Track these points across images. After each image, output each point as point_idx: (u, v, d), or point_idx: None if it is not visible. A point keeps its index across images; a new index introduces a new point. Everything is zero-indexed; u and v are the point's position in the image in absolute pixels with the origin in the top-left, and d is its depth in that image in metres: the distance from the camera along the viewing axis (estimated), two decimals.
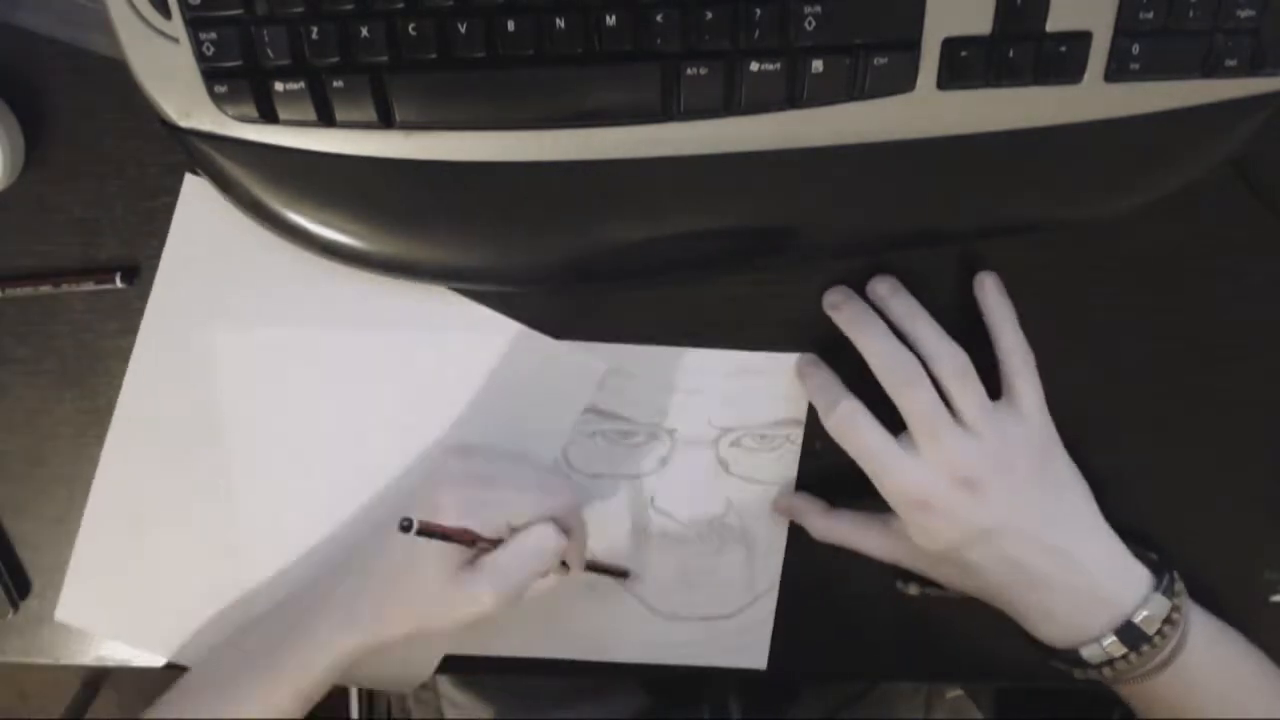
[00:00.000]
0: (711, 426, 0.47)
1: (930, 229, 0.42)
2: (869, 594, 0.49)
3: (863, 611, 0.50)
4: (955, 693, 0.88)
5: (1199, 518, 0.48)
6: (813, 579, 0.49)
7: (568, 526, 0.41)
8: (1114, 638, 0.41)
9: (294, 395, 0.46)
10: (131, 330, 0.45)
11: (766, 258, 0.42)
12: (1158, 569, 0.43)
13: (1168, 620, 0.41)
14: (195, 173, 0.43)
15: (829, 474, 0.47)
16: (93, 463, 0.47)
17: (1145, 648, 0.41)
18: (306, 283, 0.44)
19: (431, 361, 0.46)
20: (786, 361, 0.46)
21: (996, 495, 0.41)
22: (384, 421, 0.46)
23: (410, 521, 0.34)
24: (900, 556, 0.44)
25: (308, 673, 0.40)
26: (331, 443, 0.46)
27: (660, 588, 0.49)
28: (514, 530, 0.40)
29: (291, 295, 0.45)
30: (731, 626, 0.49)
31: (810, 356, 0.46)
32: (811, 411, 0.46)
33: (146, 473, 0.46)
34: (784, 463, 0.47)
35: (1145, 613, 0.41)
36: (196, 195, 0.43)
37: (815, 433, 0.47)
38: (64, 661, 0.50)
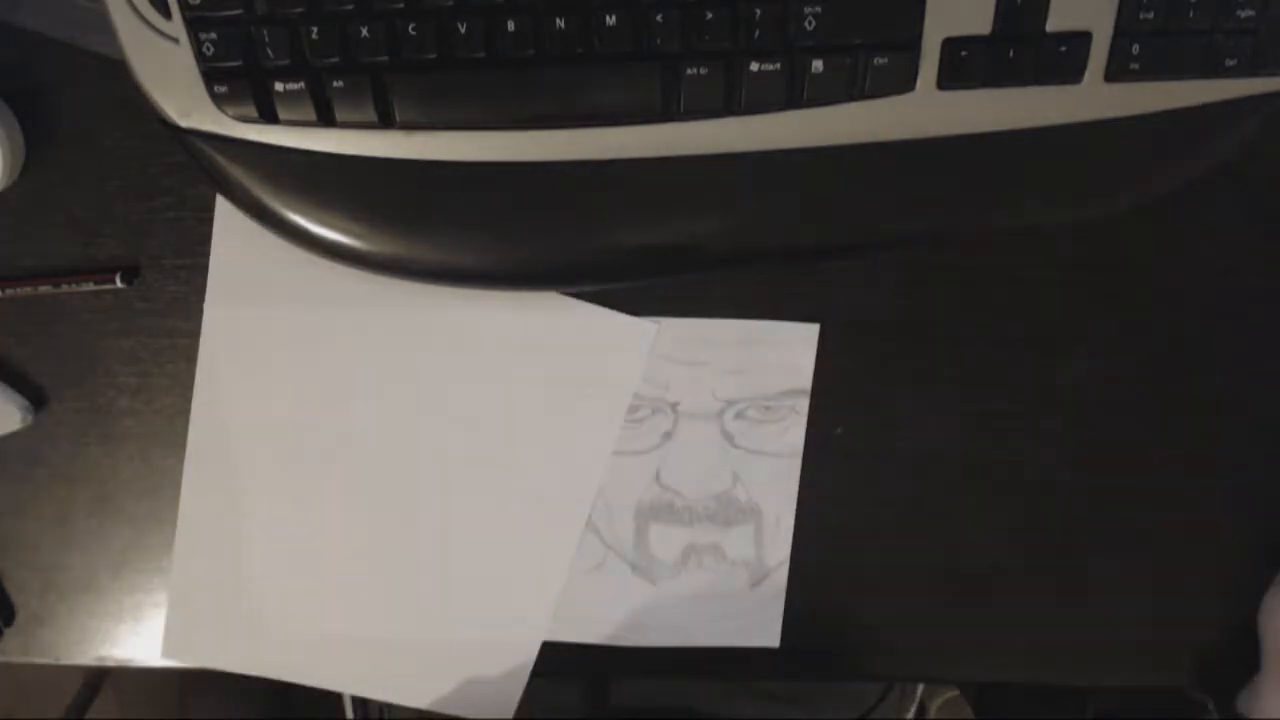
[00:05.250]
0: (715, 399, 0.47)
1: (930, 229, 0.41)
2: (869, 591, 0.49)
3: (865, 608, 0.50)
4: (953, 693, 0.89)
5: (1199, 518, 0.48)
6: (823, 566, 0.49)
7: None
8: None
9: (357, 399, 0.46)
10: (131, 330, 0.45)
11: (767, 258, 0.42)
12: None
13: None
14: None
15: (844, 457, 0.47)
16: (92, 462, 0.47)
17: None
18: (351, 284, 0.44)
19: (488, 346, 0.46)
20: (789, 330, 0.45)
21: None
22: (453, 416, 0.46)
23: None
24: None
25: None
26: (396, 436, 0.47)
27: (668, 567, 0.49)
28: None
29: (340, 299, 0.45)
30: (743, 605, 0.49)
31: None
32: (817, 381, 0.46)
33: (229, 501, 0.47)
34: (790, 434, 0.47)
35: None
36: (230, 218, 0.43)
37: (837, 418, 0.46)
38: (64, 661, 0.50)
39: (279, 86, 0.37)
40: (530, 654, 0.49)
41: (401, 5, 0.36)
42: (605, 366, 0.46)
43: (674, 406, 0.47)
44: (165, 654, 0.49)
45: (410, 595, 0.49)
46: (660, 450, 0.47)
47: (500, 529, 0.48)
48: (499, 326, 0.45)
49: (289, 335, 0.45)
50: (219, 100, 0.37)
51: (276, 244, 0.41)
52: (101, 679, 1.02)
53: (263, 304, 0.45)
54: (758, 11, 0.36)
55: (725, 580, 0.49)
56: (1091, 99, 0.38)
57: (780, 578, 0.49)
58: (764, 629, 0.49)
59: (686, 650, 0.49)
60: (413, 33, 0.36)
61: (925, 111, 0.38)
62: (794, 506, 0.48)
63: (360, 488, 0.47)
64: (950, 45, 0.37)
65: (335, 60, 0.36)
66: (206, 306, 0.45)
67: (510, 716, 0.50)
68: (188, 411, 0.46)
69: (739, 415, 0.47)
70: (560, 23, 0.36)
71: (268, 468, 0.47)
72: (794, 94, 0.38)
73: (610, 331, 0.45)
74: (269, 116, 0.37)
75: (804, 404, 0.46)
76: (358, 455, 0.47)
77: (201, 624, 0.49)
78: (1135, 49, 0.37)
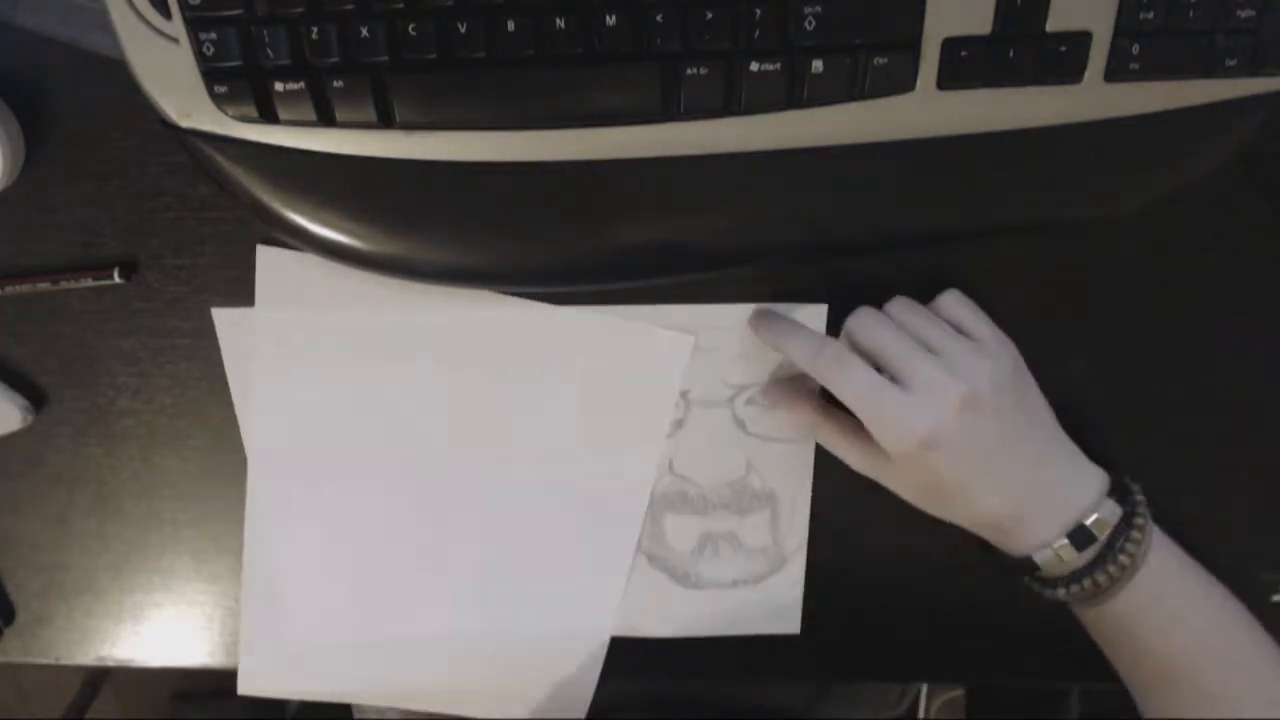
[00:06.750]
0: (725, 385, 0.46)
1: (930, 229, 0.41)
2: (871, 588, 0.49)
3: (870, 605, 0.50)
4: (953, 693, 0.89)
5: (1199, 517, 0.48)
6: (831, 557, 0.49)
7: None
8: (1065, 540, 0.41)
9: (415, 408, 0.46)
10: (131, 330, 0.45)
11: (766, 258, 0.42)
12: (1119, 479, 0.43)
13: (1127, 534, 0.40)
14: (268, 242, 0.44)
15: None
16: (92, 462, 0.47)
17: (1110, 567, 0.40)
18: (395, 308, 0.44)
19: (524, 365, 0.46)
20: (797, 312, 0.45)
21: (992, 412, 0.39)
22: (498, 429, 0.46)
23: None
24: (877, 475, 0.43)
25: None
26: (445, 450, 0.47)
27: (685, 556, 0.48)
28: None
29: (384, 324, 0.45)
30: (762, 592, 0.49)
31: (761, 309, 0.44)
32: None
33: (293, 528, 0.47)
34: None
35: (1096, 515, 0.41)
36: (273, 265, 0.44)
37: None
38: (64, 661, 0.50)
39: (279, 86, 0.37)
40: (600, 652, 0.49)
41: (401, 5, 0.36)
42: (648, 374, 0.46)
43: (684, 394, 0.46)
44: (243, 688, 0.48)
45: (474, 603, 0.48)
46: (672, 439, 0.47)
47: (561, 529, 0.48)
48: (546, 335, 0.45)
49: (339, 346, 0.45)
50: (219, 100, 0.37)
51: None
52: (101, 679, 1.02)
53: (312, 313, 0.45)
54: (758, 11, 0.36)
55: (743, 568, 0.48)
56: (1091, 99, 0.38)
57: (798, 564, 0.48)
58: (783, 616, 0.49)
59: (694, 647, 0.49)
60: (413, 33, 0.36)
61: (925, 111, 0.38)
62: (809, 491, 0.48)
63: (419, 501, 0.47)
64: (950, 45, 0.37)
65: (335, 60, 0.36)
66: (254, 313, 0.45)
67: (584, 716, 0.49)
68: (188, 412, 0.46)
69: (750, 401, 0.47)
70: (560, 23, 0.36)
71: (325, 486, 0.47)
72: (794, 94, 0.38)
73: (651, 343, 0.45)
74: (269, 116, 0.37)
75: (815, 386, 0.46)
76: (417, 467, 0.47)
77: (275, 653, 0.48)
78: (1135, 49, 0.37)
